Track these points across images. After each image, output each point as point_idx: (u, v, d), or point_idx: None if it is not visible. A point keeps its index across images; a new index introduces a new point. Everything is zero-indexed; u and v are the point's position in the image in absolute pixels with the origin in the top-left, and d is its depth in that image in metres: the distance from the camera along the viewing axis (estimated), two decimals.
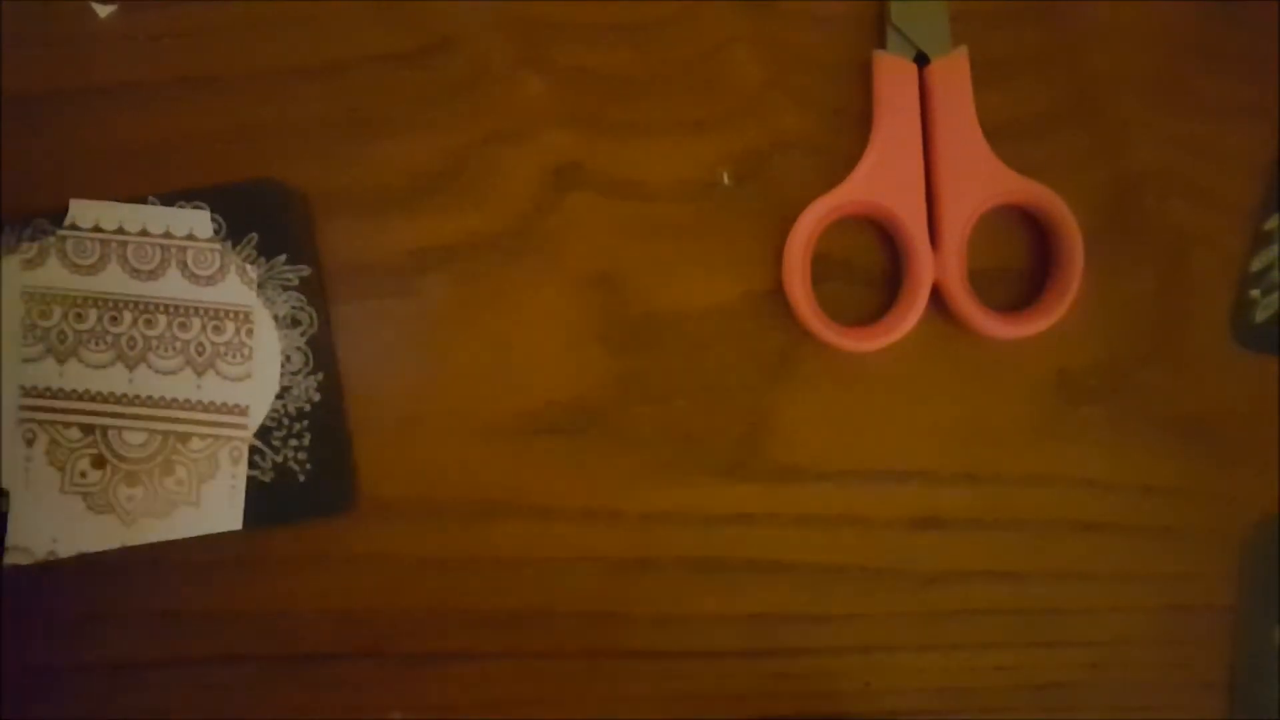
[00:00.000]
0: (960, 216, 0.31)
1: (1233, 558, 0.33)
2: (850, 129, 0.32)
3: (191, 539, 0.31)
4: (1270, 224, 0.33)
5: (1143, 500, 0.33)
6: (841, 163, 0.32)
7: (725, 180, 0.32)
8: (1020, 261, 0.33)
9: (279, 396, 0.31)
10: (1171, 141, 0.33)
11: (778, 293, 0.32)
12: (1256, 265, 0.33)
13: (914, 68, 0.31)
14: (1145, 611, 0.33)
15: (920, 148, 0.31)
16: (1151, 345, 0.33)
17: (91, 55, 0.31)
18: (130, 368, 0.31)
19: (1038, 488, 0.33)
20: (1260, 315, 0.33)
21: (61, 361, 0.31)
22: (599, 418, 0.32)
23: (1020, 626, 0.33)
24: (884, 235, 0.33)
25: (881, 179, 0.31)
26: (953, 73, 0.31)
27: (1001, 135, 0.32)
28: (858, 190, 0.31)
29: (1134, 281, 0.33)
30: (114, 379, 0.31)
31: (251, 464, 0.31)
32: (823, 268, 0.32)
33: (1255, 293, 0.33)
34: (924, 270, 0.31)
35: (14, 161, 0.31)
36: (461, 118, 0.32)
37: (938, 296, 0.32)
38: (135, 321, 0.31)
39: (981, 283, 0.32)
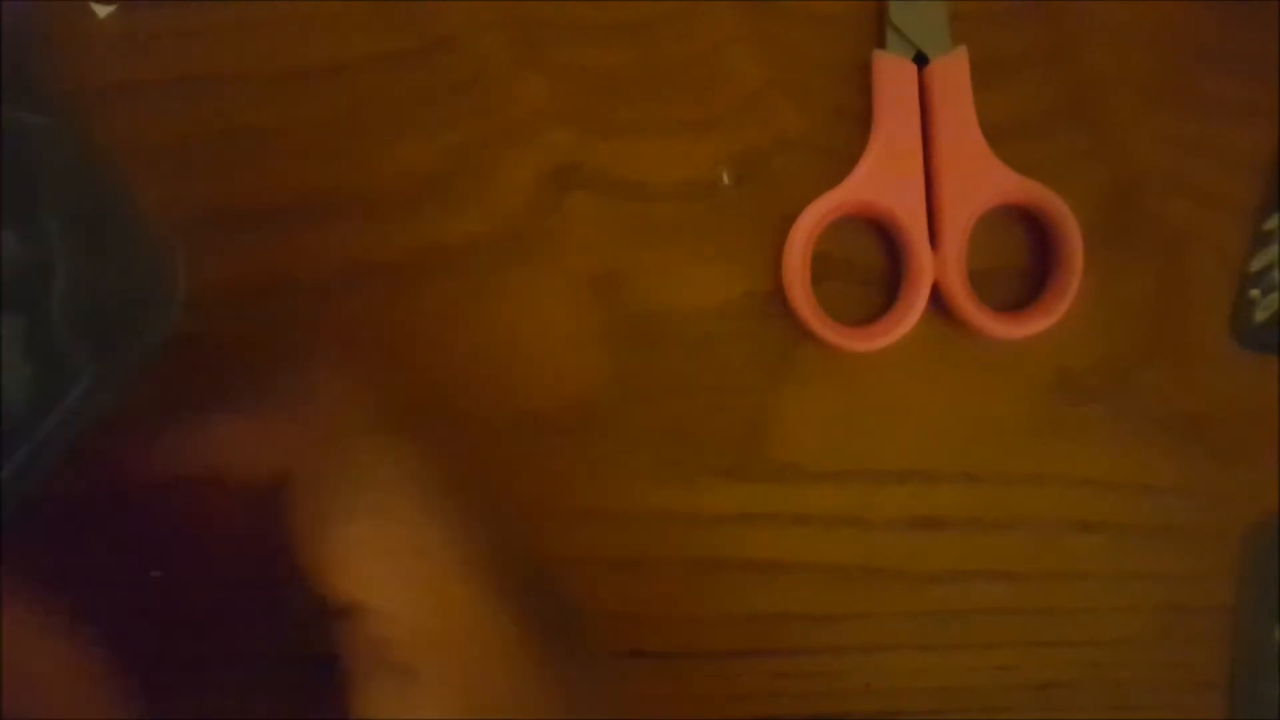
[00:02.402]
0: (960, 216, 0.31)
1: (1233, 558, 0.33)
2: (850, 129, 0.32)
3: None
4: (1270, 224, 0.33)
5: (1143, 500, 0.33)
6: (842, 162, 0.32)
7: (725, 180, 0.32)
8: (1020, 261, 0.33)
9: None
10: (1171, 141, 0.33)
11: (778, 293, 0.32)
12: (1256, 265, 0.33)
13: (913, 67, 0.31)
14: (1145, 611, 0.33)
15: (920, 147, 0.31)
16: (1151, 345, 0.33)
17: (91, 55, 0.31)
18: None
19: (1038, 488, 0.33)
20: (1260, 315, 0.33)
21: None
22: (599, 418, 0.32)
23: (1020, 626, 0.33)
24: (884, 235, 0.33)
25: (881, 179, 0.31)
26: (952, 72, 0.31)
27: (1001, 135, 0.32)
28: (857, 190, 0.31)
29: (1134, 281, 0.33)
30: None
31: None
32: (823, 267, 0.32)
33: (1255, 292, 0.33)
34: (924, 270, 0.31)
35: None
36: (461, 118, 0.32)
37: (938, 296, 0.32)
38: None
39: (981, 282, 0.32)
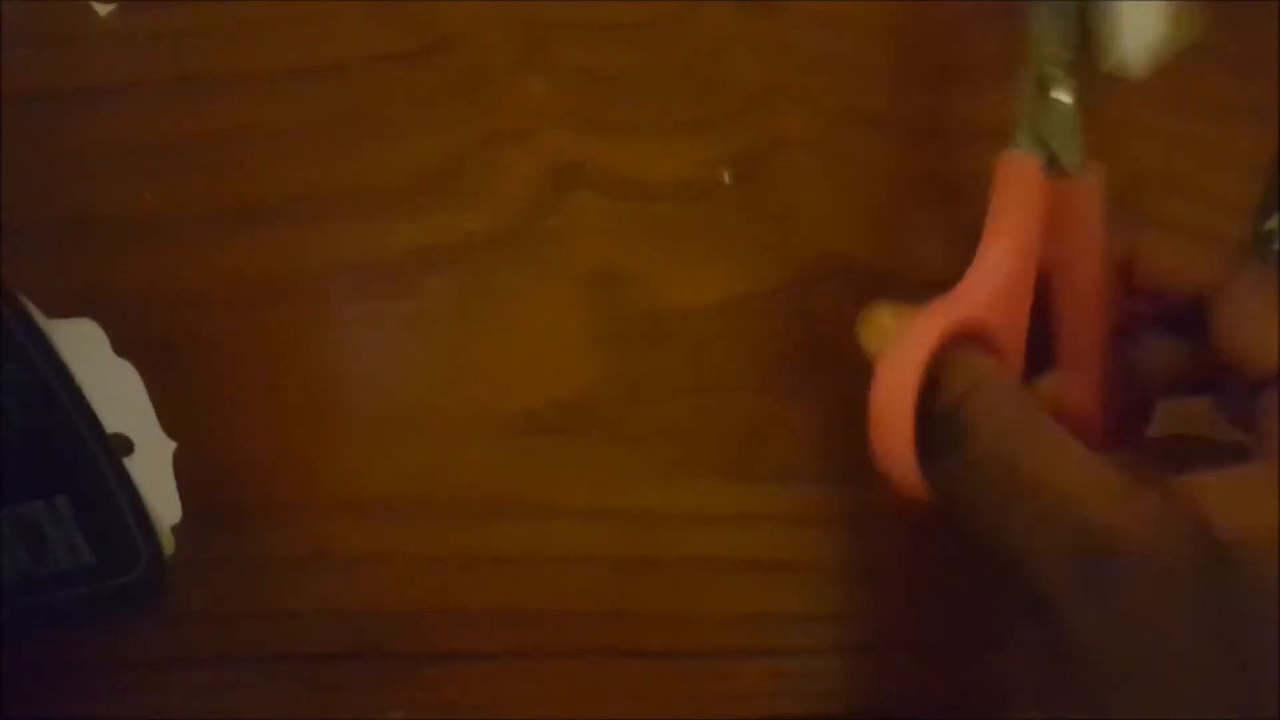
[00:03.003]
0: (1086, 336, 0.28)
1: None
2: (850, 130, 0.32)
3: (194, 541, 0.31)
4: (1270, 224, 0.33)
5: None
6: (842, 163, 0.32)
7: (725, 180, 0.32)
8: None
9: None
10: (1171, 141, 0.33)
11: (778, 292, 0.32)
12: None
13: (1044, 175, 0.28)
14: None
15: (1034, 264, 0.27)
16: None
17: (91, 55, 0.31)
18: None
19: None
20: None
21: None
22: (599, 418, 0.32)
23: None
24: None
25: (989, 295, 0.27)
26: (1085, 189, 0.28)
27: (1001, 135, 0.32)
28: (963, 306, 0.27)
29: None
30: None
31: None
32: None
33: None
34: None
35: (14, 161, 0.31)
36: (461, 118, 0.32)
37: None
38: None
39: None
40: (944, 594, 0.33)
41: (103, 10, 0.32)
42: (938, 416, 0.26)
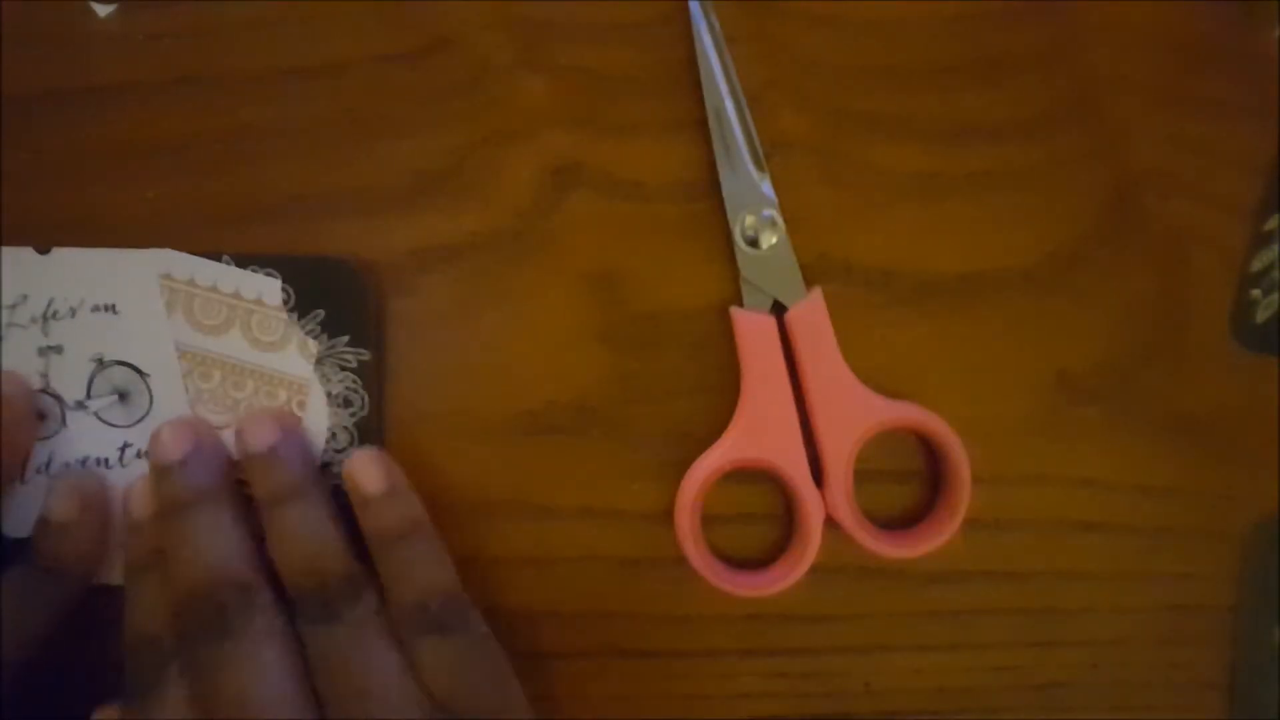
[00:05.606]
0: (841, 454, 0.31)
1: (1233, 558, 0.33)
2: (849, 131, 0.32)
3: None
4: (1270, 224, 0.33)
5: (1142, 500, 0.33)
6: (841, 164, 0.32)
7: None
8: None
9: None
10: (1171, 141, 0.33)
11: None
12: (1256, 265, 0.33)
13: (772, 320, 0.31)
14: (1145, 611, 0.33)
15: (790, 395, 0.31)
16: (1151, 345, 0.33)
17: (91, 55, 0.32)
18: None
19: (1038, 488, 0.33)
20: (1260, 315, 0.33)
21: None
22: (599, 418, 0.32)
23: (1020, 626, 0.33)
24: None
25: (757, 433, 0.31)
26: (811, 316, 0.31)
27: (1001, 135, 0.32)
28: (735, 449, 0.31)
29: (1134, 281, 0.33)
30: None
31: None
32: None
33: (1255, 293, 0.33)
34: (814, 511, 0.31)
35: (14, 161, 0.31)
36: (461, 118, 0.32)
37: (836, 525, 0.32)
38: (190, 372, 0.31)
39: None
40: (940, 594, 0.33)
41: (103, 10, 0.32)
42: None
